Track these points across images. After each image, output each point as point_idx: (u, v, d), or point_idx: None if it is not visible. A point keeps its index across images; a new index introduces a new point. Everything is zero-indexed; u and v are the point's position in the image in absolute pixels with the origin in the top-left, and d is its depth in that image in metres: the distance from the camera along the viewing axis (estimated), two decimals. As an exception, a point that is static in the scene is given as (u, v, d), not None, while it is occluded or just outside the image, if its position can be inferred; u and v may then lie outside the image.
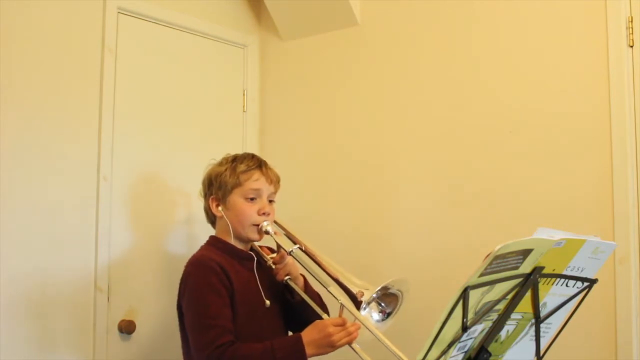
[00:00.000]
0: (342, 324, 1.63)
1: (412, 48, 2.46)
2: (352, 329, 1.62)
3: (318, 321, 1.66)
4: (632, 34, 1.99)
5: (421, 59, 2.44)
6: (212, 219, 1.96)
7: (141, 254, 2.37)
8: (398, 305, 1.74)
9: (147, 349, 2.34)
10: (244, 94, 2.80)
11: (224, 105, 2.73)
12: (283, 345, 1.64)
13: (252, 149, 2.74)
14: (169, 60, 2.54)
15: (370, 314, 1.72)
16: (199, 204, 2.64)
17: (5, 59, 2.04)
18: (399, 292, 1.73)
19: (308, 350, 1.62)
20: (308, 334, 1.64)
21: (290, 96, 2.80)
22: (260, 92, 2.84)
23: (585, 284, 1.29)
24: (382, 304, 1.74)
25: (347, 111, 2.61)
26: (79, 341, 2.17)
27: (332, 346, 1.61)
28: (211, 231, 1.99)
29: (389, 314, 1.74)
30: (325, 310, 1.81)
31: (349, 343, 1.62)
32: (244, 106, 2.79)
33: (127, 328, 2.27)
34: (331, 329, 1.61)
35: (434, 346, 1.09)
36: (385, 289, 1.71)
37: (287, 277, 1.84)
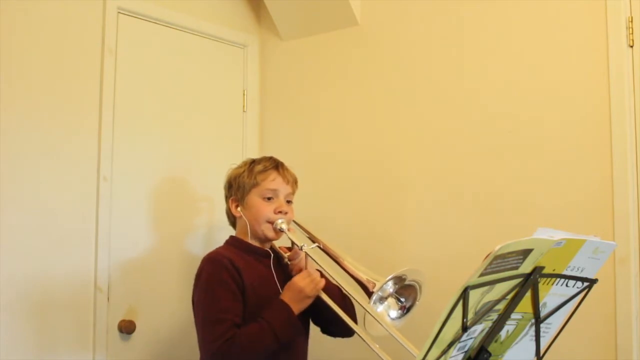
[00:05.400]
0: (308, 276, 1.80)
1: (412, 48, 2.46)
2: (315, 275, 1.80)
3: (289, 283, 1.81)
4: (632, 34, 1.99)
5: (422, 59, 2.44)
6: (232, 220, 2.02)
7: (141, 254, 2.37)
8: (418, 297, 1.76)
9: (147, 349, 2.34)
10: (244, 94, 2.80)
11: (224, 105, 2.73)
12: (274, 315, 1.74)
13: (252, 149, 2.75)
14: (169, 60, 2.54)
15: (388, 312, 1.75)
16: (199, 203, 2.64)
17: (5, 59, 2.04)
18: (416, 283, 1.75)
19: (294, 308, 1.76)
20: (286, 296, 1.78)
21: (290, 96, 2.80)
22: (260, 92, 2.84)
23: (585, 284, 1.29)
24: (401, 300, 1.76)
25: (347, 111, 2.61)
26: (79, 341, 2.17)
27: (308, 297, 1.78)
28: (224, 234, 2.03)
29: (409, 309, 1.77)
30: (346, 305, 1.84)
31: (321, 288, 1.80)
32: (244, 106, 2.79)
33: (127, 328, 2.27)
34: (301, 284, 1.78)
35: (434, 346, 1.09)
36: (399, 279, 1.73)
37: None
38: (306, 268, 1.90)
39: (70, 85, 2.21)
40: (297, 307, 1.77)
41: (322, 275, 1.86)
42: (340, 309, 1.78)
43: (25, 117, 2.09)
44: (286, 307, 1.75)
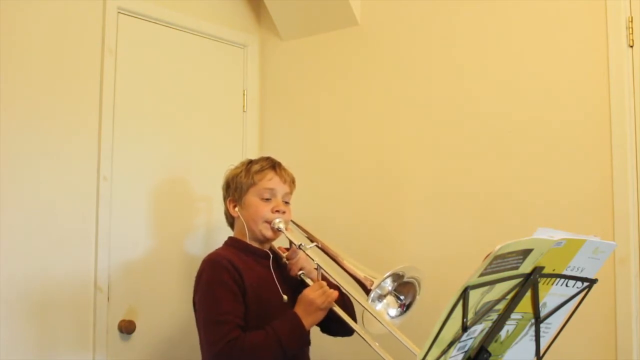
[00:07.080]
0: (320, 288, 1.77)
1: (412, 48, 2.46)
2: (326, 288, 1.77)
3: (300, 295, 1.79)
4: (632, 34, 1.99)
5: (422, 59, 2.44)
6: (230, 220, 2.02)
7: (141, 254, 2.37)
8: (417, 293, 1.76)
9: (147, 349, 2.34)
10: (244, 94, 2.80)
11: (224, 105, 2.73)
12: (283, 325, 1.73)
13: (252, 149, 2.75)
14: (169, 61, 2.54)
15: (387, 310, 1.75)
16: (199, 203, 2.64)
17: (5, 59, 2.04)
18: (414, 280, 1.75)
19: (304, 321, 1.74)
20: (298, 308, 1.76)
21: (290, 96, 2.80)
22: (260, 92, 2.84)
23: (585, 284, 1.29)
24: (401, 297, 1.76)
25: (347, 111, 2.61)
26: (79, 341, 2.17)
27: (320, 309, 1.75)
28: (224, 234, 2.03)
29: (408, 306, 1.77)
30: (346, 303, 1.83)
31: (333, 300, 1.76)
32: (243, 106, 2.79)
33: (127, 328, 2.27)
34: (312, 296, 1.76)
35: (434, 346, 1.10)
36: (397, 277, 1.73)
37: (300, 272, 1.90)
38: (303, 267, 1.90)
39: (70, 85, 2.21)
40: (308, 320, 1.75)
41: (324, 278, 1.86)
42: (342, 309, 1.77)
43: (25, 117, 2.09)
44: (295, 318, 1.74)
